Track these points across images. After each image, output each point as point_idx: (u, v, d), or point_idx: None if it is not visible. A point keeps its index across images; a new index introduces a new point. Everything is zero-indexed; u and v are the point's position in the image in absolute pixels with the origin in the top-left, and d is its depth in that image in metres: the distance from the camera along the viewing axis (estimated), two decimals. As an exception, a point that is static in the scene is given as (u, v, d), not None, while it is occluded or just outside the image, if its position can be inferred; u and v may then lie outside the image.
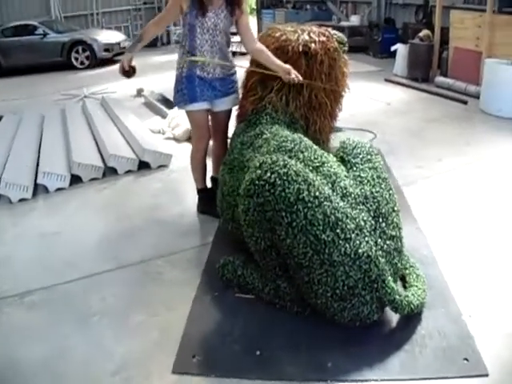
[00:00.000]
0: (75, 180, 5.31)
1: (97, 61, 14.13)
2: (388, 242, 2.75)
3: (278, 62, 3.66)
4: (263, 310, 2.97)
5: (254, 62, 3.92)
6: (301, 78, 3.66)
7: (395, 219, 2.87)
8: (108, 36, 14.94)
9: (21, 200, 4.96)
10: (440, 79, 9.15)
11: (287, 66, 3.62)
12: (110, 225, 4.34)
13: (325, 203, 2.59)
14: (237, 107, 4.04)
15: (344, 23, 14.13)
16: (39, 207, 4.89)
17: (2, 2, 16.14)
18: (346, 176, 2.95)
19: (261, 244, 2.81)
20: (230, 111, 4.07)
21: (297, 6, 17.60)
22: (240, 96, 4.02)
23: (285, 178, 2.61)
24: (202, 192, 4.27)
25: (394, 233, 2.81)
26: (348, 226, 2.60)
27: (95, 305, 3.16)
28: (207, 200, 4.16)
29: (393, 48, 10.55)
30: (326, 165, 2.93)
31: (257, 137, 3.46)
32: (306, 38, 3.83)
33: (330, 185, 2.79)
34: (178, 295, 3.21)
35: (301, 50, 3.75)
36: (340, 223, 2.58)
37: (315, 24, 4.14)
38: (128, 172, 5.59)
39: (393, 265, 2.75)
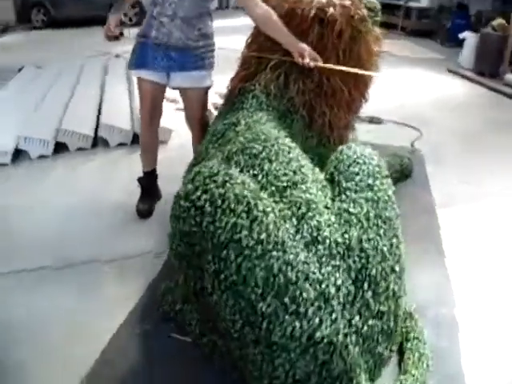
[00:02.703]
0: (62, 148, 4.77)
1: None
2: (371, 322, 1.83)
3: (291, 36, 2.81)
4: (197, 365, 2.14)
5: (256, 36, 3.04)
6: (319, 63, 2.77)
7: (392, 286, 1.94)
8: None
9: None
10: (510, 76, 7.90)
11: (302, 45, 2.77)
12: (71, 210, 3.65)
13: (273, 253, 1.71)
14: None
15: (412, 3, 12.84)
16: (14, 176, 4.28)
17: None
18: (326, 207, 2.01)
19: (192, 284, 1.93)
20: (202, 93, 3.23)
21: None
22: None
23: (219, 203, 1.79)
24: (145, 180, 3.56)
25: (384, 308, 1.89)
26: (305, 294, 1.69)
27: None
28: (149, 194, 3.49)
29: (461, 35, 9.35)
30: (300, 186, 2.03)
31: (230, 127, 2.56)
32: (323, 0, 2.86)
33: (294, 220, 1.88)
34: (100, 319, 2.49)
35: (313, 14, 2.80)
36: (292, 287, 1.68)
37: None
38: (121, 145, 4.88)
39: (374, 355, 1.81)
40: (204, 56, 3.09)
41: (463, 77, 8.45)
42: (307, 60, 2.71)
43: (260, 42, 2.97)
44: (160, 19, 2.94)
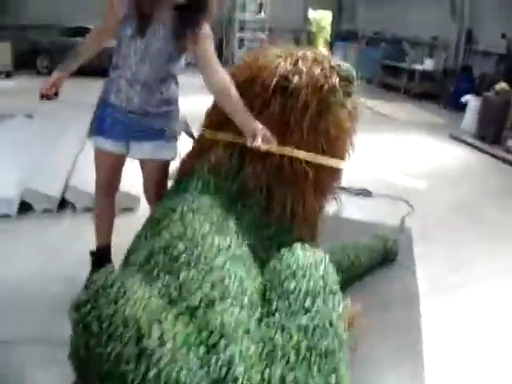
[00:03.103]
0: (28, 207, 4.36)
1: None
2: None
3: (245, 114, 2.45)
4: None
5: (215, 107, 2.72)
6: (273, 147, 2.40)
7: None
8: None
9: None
10: (512, 143, 7.57)
11: (256, 125, 2.41)
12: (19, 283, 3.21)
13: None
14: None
15: (417, 66, 12.77)
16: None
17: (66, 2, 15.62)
18: (247, 332, 1.60)
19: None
20: (161, 166, 2.85)
21: (371, 42, 16.35)
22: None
23: (106, 324, 1.45)
24: (98, 254, 3.16)
25: None
26: None
27: None
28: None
29: (463, 99, 9.12)
30: (216, 306, 1.64)
31: (167, 214, 2.17)
32: (289, 66, 2.51)
33: (202, 350, 1.49)
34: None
35: (275, 83, 2.45)
36: None
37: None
38: (88, 210, 4.36)
39: None
40: (166, 125, 2.74)
41: (465, 143, 8.15)
42: (258, 143, 2.33)
43: (218, 114, 2.63)
44: (118, 83, 2.62)
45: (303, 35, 17.87)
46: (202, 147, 2.62)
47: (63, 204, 4.44)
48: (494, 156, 7.44)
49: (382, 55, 14.44)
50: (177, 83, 2.76)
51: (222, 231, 2.08)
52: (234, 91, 2.47)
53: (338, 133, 2.57)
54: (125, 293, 1.53)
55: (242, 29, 16.13)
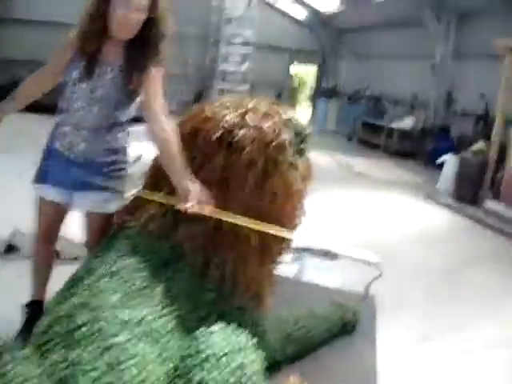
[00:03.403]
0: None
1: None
2: None
3: (182, 171, 2.22)
4: None
5: (154, 166, 2.49)
6: (207, 209, 2.14)
7: None
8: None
9: None
10: (490, 204, 7.49)
11: (189, 186, 2.16)
12: None
13: None
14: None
15: (395, 124, 12.77)
16: None
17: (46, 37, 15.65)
18: None
19: None
20: (104, 220, 2.58)
21: (352, 99, 16.49)
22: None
23: None
24: (31, 309, 2.84)
25: None
26: None
27: None
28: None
29: (440, 160, 9.04)
30: None
31: (81, 278, 1.89)
32: (236, 119, 2.29)
33: None
34: None
35: (218, 136, 2.22)
36: None
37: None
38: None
39: None
40: (112, 175, 2.51)
41: (441, 203, 8.00)
42: (187, 205, 2.08)
43: (158, 169, 2.39)
44: (64, 128, 2.44)
45: (285, 90, 18.04)
46: (136, 203, 2.36)
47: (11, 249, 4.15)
48: (471, 217, 7.28)
49: (362, 112, 14.54)
50: (126, 131, 2.55)
51: (139, 300, 1.81)
52: (174, 145, 2.25)
53: (287, 195, 2.33)
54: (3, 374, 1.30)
55: (223, 80, 16.14)
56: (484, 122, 10.11)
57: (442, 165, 9.07)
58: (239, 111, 2.38)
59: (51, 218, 2.63)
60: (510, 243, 6.22)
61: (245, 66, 16.53)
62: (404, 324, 3.63)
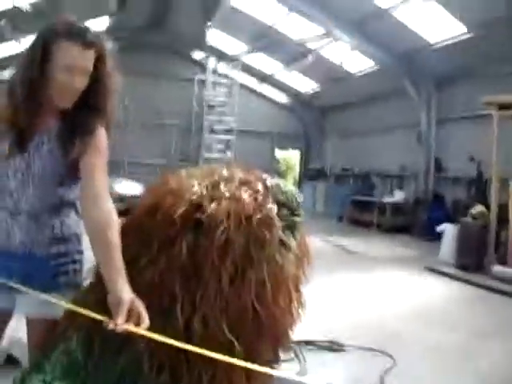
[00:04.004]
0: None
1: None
2: None
3: (117, 271, 1.64)
4: None
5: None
6: (143, 326, 1.49)
7: None
8: (126, 187, 13.68)
9: None
10: (498, 269, 7.05)
11: (121, 294, 1.54)
12: None
13: None
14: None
15: (387, 199, 12.58)
16: None
17: None
18: None
19: None
20: (51, 325, 1.95)
21: (339, 180, 16.36)
22: None
23: None
24: None
25: None
26: None
27: None
28: None
29: (439, 229, 8.77)
30: None
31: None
32: (205, 190, 1.80)
33: None
34: None
35: (181, 213, 1.70)
36: None
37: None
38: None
39: None
40: (59, 270, 1.98)
41: (443, 274, 7.56)
42: (116, 322, 1.50)
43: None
44: None
45: (272, 175, 17.89)
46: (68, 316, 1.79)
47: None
48: (477, 285, 6.81)
49: (351, 191, 14.34)
50: (78, 213, 2.04)
51: None
52: (112, 235, 1.71)
53: (278, 285, 1.79)
54: None
55: (206, 168, 16.08)
56: (477, 185, 9.81)
57: (438, 235, 8.78)
58: (210, 180, 1.89)
59: None
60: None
61: (229, 154, 16.50)
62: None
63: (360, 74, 13.99)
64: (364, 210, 13.25)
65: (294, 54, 14.87)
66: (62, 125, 1.90)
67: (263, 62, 17.24)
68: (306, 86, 17.54)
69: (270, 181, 1.99)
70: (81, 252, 2.05)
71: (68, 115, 1.89)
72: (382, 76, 12.51)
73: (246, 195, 1.85)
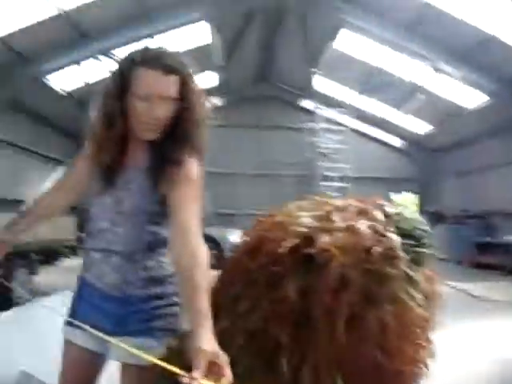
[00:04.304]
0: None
1: (224, 259, 12.96)
2: None
3: (202, 317, 1.39)
4: None
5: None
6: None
7: None
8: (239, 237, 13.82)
9: None
10: None
11: (202, 344, 1.29)
12: None
13: None
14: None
15: (510, 239, 11.55)
16: None
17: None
18: None
19: None
20: (143, 374, 1.73)
21: (457, 221, 15.49)
22: None
23: None
24: None
25: None
26: None
27: None
28: None
29: None
30: None
31: None
32: (317, 221, 1.57)
33: None
34: None
35: (287, 248, 1.47)
36: None
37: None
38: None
39: None
40: (155, 314, 1.81)
41: None
42: (196, 375, 1.21)
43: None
44: (92, 254, 1.87)
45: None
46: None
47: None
48: None
49: (471, 232, 13.52)
50: None
51: None
52: (199, 275, 1.46)
53: (403, 328, 1.48)
54: None
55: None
56: None
57: None
58: (322, 211, 1.65)
59: (79, 371, 1.92)
60: None
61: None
62: None
63: (473, 109, 13.33)
64: (485, 251, 12.42)
65: (403, 94, 14.57)
66: (150, 158, 1.76)
67: (373, 105, 17.05)
68: (418, 126, 17.07)
69: (391, 208, 1.72)
70: (174, 294, 1.85)
71: (156, 147, 1.75)
72: (497, 108, 11.81)
73: (363, 225, 1.59)
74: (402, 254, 1.55)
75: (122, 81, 1.69)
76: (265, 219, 1.79)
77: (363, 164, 17.30)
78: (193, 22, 12.71)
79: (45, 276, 8.43)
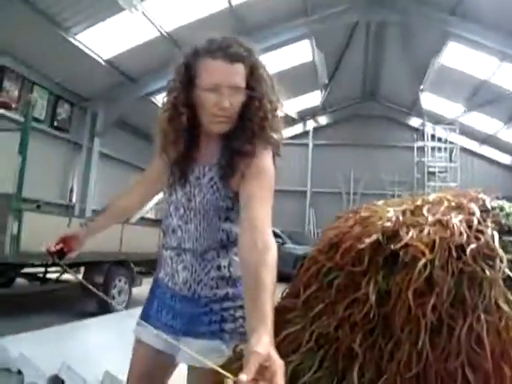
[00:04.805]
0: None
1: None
2: None
3: (262, 315, 1.24)
4: None
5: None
6: None
7: None
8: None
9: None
10: None
11: (256, 346, 1.13)
12: None
13: None
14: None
15: None
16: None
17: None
18: None
19: None
20: (208, 377, 1.53)
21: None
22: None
23: None
24: None
25: None
26: None
27: None
28: None
29: None
30: None
31: None
32: (403, 216, 1.43)
33: None
34: None
35: (368, 243, 1.33)
36: None
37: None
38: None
39: None
40: (225, 315, 1.73)
41: None
42: (244, 377, 1.07)
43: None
44: (165, 253, 1.86)
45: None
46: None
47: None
48: None
49: None
50: None
51: None
52: (265, 273, 1.33)
53: (501, 341, 1.26)
54: None
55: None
56: None
57: None
58: (412, 205, 1.49)
59: (147, 371, 1.88)
60: None
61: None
62: None
63: None
64: None
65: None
66: (221, 152, 1.69)
67: (482, 121, 16.21)
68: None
69: (490, 201, 1.51)
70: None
71: (228, 140, 1.68)
72: None
73: (456, 219, 1.40)
74: (501, 252, 1.35)
75: (188, 74, 1.64)
76: (348, 215, 1.65)
77: (472, 182, 16.47)
78: (296, 40, 12.73)
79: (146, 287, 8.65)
